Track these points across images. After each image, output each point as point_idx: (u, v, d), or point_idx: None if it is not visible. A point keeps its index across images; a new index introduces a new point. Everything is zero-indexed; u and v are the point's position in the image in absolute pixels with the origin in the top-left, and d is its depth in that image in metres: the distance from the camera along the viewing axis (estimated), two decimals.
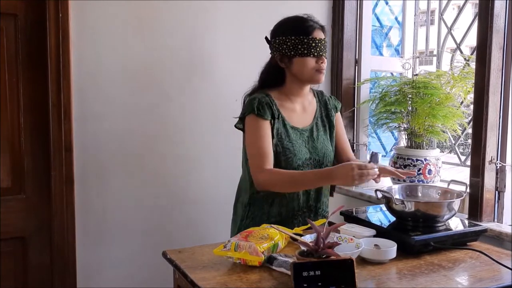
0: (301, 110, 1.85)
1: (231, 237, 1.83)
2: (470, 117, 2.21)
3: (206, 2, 2.37)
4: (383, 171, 1.70)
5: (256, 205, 1.80)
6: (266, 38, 1.85)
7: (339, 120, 1.97)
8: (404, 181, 2.23)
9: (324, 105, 1.92)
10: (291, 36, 1.74)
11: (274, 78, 1.83)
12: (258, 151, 1.71)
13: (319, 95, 1.95)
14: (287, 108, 1.81)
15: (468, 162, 2.14)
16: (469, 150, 2.12)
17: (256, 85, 1.87)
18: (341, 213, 1.81)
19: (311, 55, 1.74)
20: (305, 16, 1.80)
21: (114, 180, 2.24)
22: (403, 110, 2.40)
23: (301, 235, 1.50)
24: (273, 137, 1.75)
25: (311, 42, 1.73)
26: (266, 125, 1.73)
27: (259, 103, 1.73)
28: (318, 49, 1.74)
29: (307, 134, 1.83)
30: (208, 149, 2.44)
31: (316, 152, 1.82)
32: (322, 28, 1.80)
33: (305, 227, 1.64)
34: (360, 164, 1.55)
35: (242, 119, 1.79)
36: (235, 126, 1.82)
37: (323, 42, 1.76)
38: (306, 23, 1.77)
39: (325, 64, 1.78)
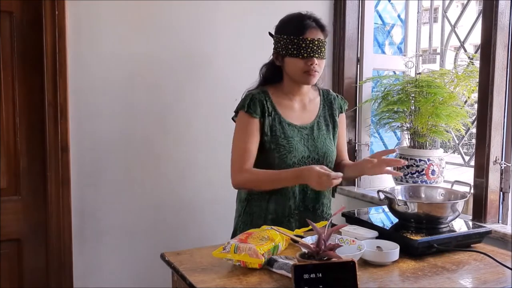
0: (300, 108, 1.84)
1: (232, 234, 1.84)
2: (474, 117, 2.19)
3: (206, 1, 2.34)
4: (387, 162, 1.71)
5: (253, 201, 1.81)
6: (269, 33, 1.84)
7: (342, 121, 1.95)
8: (407, 181, 2.22)
9: (328, 104, 1.90)
10: (284, 35, 1.73)
11: (272, 75, 1.84)
12: (240, 151, 1.74)
13: (324, 93, 1.92)
14: (285, 105, 1.80)
15: (472, 163, 2.13)
16: (473, 150, 2.10)
17: (258, 81, 1.88)
18: (343, 215, 1.80)
19: (300, 56, 1.70)
20: (303, 13, 1.77)
21: (111, 181, 2.22)
22: (405, 109, 2.38)
23: (302, 237, 1.49)
24: (265, 134, 1.75)
25: (301, 42, 1.69)
26: (254, 124, 1.74)
27: (250, 100, 1.75)
28: (308, 49, 1.69)
29: (307, 132, 1.81)
30: (206, 149, 2.42)
31: (316, 151, 1.79)
32: (320, 27, 1.75)
33: (306, 228, 1.62)
34: (321, 172, 1.54)
35: (236, 113, 1.81)
36: (232, 118, 1.85)
37: (316, 42, 1.70)
38: (301, 22, 1.72)
39: (318, 66, 1.72)
